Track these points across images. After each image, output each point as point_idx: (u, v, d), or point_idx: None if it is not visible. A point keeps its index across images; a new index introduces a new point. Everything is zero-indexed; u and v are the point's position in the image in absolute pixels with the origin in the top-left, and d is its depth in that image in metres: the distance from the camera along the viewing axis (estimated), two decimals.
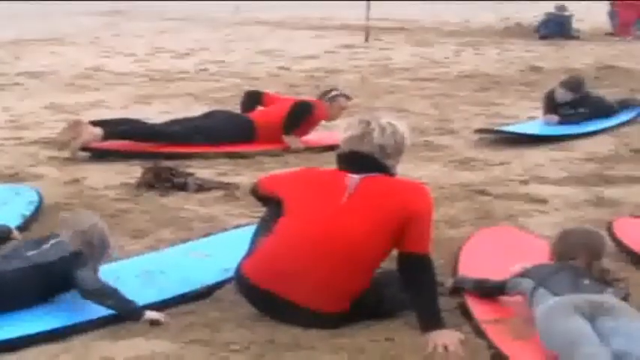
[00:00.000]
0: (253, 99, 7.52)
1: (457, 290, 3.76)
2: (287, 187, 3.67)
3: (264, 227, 3.66)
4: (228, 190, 5.81)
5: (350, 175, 3.54)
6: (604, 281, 3.44)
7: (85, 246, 3.69)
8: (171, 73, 12.89)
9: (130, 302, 3.59)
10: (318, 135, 7.43)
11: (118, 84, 11.69)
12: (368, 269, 3.52)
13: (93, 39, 18.38)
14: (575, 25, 19.20)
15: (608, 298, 3.30)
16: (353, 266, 3.43)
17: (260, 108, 7.45)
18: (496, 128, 8.08)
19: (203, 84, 11.63)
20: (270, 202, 3.76)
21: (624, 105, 8.78)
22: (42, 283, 3.58)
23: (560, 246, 3.64)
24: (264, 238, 3.60)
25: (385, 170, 3.59)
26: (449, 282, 3.81)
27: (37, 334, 3.43)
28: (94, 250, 3.73)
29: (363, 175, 3.52)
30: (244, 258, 3.67)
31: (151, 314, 3.57)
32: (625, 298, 3.43)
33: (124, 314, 3.57)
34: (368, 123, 3.62)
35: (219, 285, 3.92)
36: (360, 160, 3.56)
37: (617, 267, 4.02)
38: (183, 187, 5.75)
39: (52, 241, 3.67)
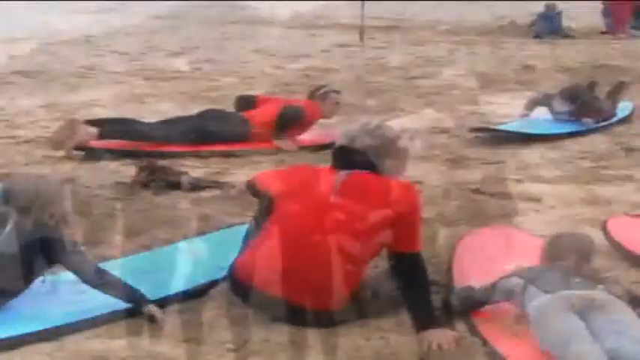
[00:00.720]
0: (246, 103, 7.54)
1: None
2: (278, 184, 3.68)
3: (256, 225, 3.67)
4: (223, 189, 5.81)
5: (337, 171, 3.55)
6: (594, 280, 3.46)
7: (41, 219, 3.56)
8: (166, 71, 12.88)
9: (134, 290, 3.59)
10: (313, 134, 7.43)
11: (112, 83, 11.67)
12: (358, 267, 3.50)
13: (87, 37, 18.35)
14: (569, 23, 19.23)
15: (599, 293, 3.32)
16: (342, 264, 3.42)
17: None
18: (491, 127, 8.09)
19: (197, 83, 11.63)
20: (263, 199, 3.76)
21: (614, 99, 8.72)
22: (16, 272, 3.51)
23: (550, 250, 3.67)
24: (256, 237, 3.61)
25: (373, 168, 3.59)
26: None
27: (31, 333, 3.43)
28: (53, 215, 3.60)
29: (349, 172, 3.53)
30: (237, 257, 3.68)
31: (152, 309, 3.56)
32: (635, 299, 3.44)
33: (126, 301, 3.57)
34: (360, 122, 3.71)
35: (213, 284, 3.92)
36: (348, 156, 3.58)
37: (611, 265, 4.05)
38: (177, 186, 5.74)
39: (10, 225, 3.53)
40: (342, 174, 3.54)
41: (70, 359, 3.30)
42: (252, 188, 3.94)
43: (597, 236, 4.38)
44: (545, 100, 8.37)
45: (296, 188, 3.61)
